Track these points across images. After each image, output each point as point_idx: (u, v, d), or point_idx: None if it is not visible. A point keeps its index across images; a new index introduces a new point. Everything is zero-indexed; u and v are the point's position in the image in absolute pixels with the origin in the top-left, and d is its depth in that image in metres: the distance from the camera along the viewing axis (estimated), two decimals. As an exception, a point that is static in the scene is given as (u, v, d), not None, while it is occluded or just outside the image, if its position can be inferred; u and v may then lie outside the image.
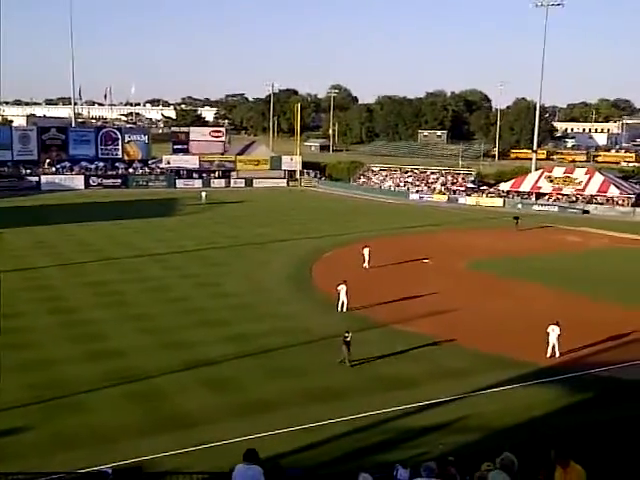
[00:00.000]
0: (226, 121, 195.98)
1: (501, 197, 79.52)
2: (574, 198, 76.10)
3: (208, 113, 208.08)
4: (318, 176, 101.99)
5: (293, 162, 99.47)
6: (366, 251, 41.77)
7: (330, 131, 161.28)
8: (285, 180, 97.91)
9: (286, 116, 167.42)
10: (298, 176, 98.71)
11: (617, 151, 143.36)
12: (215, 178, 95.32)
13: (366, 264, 41.46)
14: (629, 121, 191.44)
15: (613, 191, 75.16)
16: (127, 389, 22.12)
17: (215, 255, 46.01)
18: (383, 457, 17.13)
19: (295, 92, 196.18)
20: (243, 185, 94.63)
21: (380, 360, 25.19)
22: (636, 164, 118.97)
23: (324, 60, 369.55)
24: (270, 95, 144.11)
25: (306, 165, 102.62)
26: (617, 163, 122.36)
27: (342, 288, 31.79)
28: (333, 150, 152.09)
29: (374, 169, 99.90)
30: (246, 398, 21.60)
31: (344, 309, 31.74)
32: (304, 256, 45.95)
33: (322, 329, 29.07)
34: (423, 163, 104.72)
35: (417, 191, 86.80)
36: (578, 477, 9.39)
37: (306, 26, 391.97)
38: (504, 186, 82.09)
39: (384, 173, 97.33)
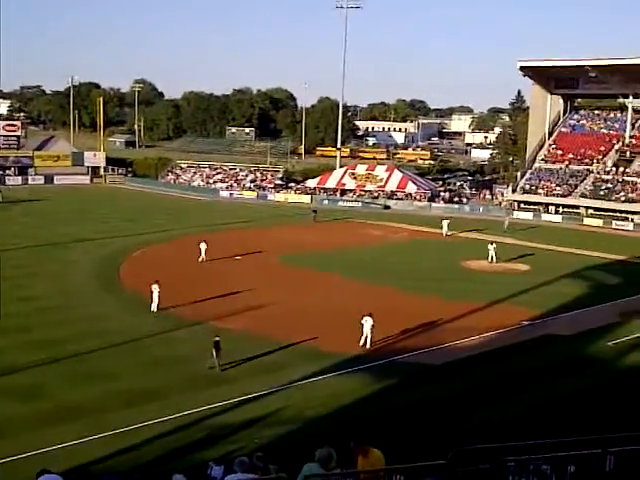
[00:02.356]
0: (22, 114, 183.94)
1: (308, 194, 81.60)
2: (376, 194, 79.89)
3: (1, 106, 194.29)
4: (124, 173, 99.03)
5: (97, 158, 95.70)
6: (202, 246, 42.83)
7: (136, 126, 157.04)
8: (89, 177, 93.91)
9: (88, 110, 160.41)
10: (102, 173, 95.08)
11: (414, 149, 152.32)
12: (11, 175, 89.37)
13: (202, 258, 42.73)
14: (424, 121, 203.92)
15: (411, 187, 79.85)
16: None
17: (16, 256, 43.12)
18: (200, 456, 17.06)
19: (97, 86, 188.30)
20: (43, 182, 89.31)
21: (196, 358, 24.98)
22: (431, 162, 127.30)
23: (127, 54, 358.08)
24: (70, 88, 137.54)
25: (111, 161, 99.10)
26: (414, 161, 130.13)
27: (155, 287, 31.21)
28: (139, 146, 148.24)
29: (182, 166, 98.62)
30: (55, 405, 20.54)
31: (157, 308, 31.20)
32: (112, 255, 44.51)
33: (134, 330, 28.36)
34: (232, 160, 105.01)
35: (227, 188, 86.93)
36: (377, 461, 10.04)
37: (106, 16, 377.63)
38: (311, 183, 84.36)
39: (193, 170, 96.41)
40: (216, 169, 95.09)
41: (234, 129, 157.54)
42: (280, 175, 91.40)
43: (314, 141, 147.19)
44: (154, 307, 31.20)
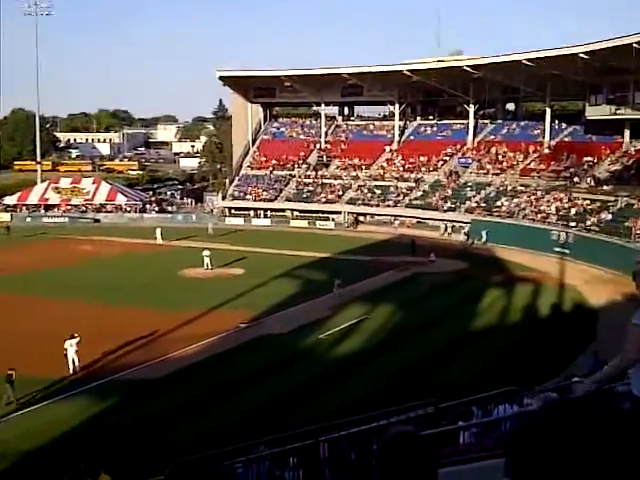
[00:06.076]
0: None
1: (8, 211, 75.77)
2: (84, 208, 76.69)
3: None
4: None
5: None
6: None
7: None
8: None
9: None
10: None
11: (121, 160, 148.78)
12: None
13: None
14: (129, 131, 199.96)
15: (121, 199, 77.90)
16: None
17: None
18: None
19: None
20: None
21: None
22: (140, 172, 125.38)
23: None
24: None
25: None
26: (122, 171, 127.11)
27: None
28: None
29: None
30: None
31: None
32: None
33: None
34: None
35: None
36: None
37: None
38: (10, 200, 78.40)
39: None
40: None
41: None
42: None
43: (10, 155, 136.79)
44: None
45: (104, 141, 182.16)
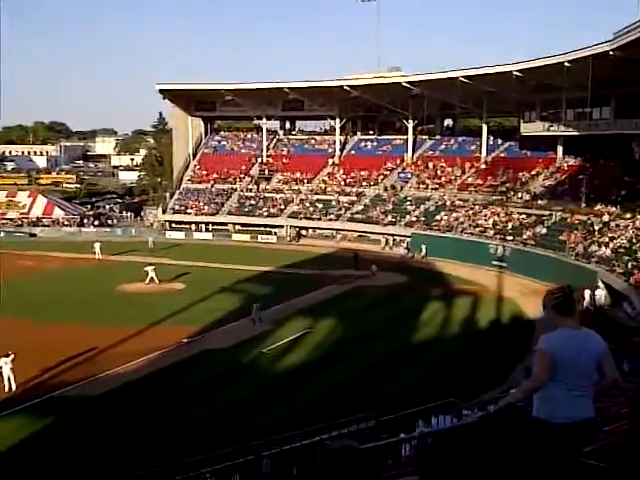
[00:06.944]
0: None
1: (-60, 226, 73.57)
2: (20, 222, 74.95)
3: None
4: None
5: None
6: None
7: None
8: None
9: None
10: None
11: (58, 173, 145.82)
12: None
13: None
14: (67, 144, 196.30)
15: (58, 213, 76.50)
16: None
17: None
18: None
19: None
20: None
21: None
22: (78, 185, 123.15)
23: None
24: None
25: None
26: (59, 184, 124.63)
27: None
28: None
29: None
30: None
31: None
32: None
33: None
34: None
35: None
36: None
37: None
38: (-58, 214, 76.21)
39: None
40: None
41: None
42: None
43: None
44: None
45: (41, 154, 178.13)
